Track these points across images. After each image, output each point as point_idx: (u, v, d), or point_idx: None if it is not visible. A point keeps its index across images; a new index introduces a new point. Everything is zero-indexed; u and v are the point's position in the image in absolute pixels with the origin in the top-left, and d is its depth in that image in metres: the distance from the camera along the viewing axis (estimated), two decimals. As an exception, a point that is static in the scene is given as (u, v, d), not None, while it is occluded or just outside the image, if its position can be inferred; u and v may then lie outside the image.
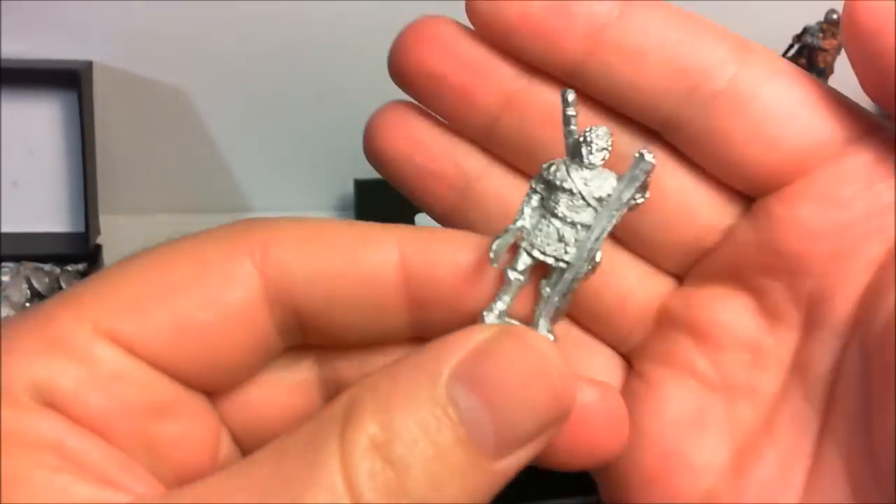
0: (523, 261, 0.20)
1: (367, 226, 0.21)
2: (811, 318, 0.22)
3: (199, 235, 0.20)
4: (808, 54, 0.73)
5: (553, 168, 0.20)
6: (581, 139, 0.20)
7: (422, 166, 0.25)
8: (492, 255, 0.20)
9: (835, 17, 0.73)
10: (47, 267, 0.62)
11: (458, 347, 0.18)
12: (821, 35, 0.72)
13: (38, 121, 0.64)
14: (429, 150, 0.25)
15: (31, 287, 0.61)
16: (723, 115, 0.23)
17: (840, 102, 0.23)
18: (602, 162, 0.20)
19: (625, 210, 0.20)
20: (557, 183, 0.20)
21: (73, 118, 0.63)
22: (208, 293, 0.19)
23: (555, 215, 0.20)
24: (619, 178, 0.20)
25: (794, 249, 0.23)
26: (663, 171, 0.23)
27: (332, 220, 0.21)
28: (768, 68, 0.23)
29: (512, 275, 0.20)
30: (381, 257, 0.20)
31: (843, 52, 0.74)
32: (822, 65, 0.73)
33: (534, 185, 0.21)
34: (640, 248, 0.25)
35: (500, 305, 0.20)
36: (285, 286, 0.19)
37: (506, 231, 0.20)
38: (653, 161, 0.19)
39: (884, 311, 0.20)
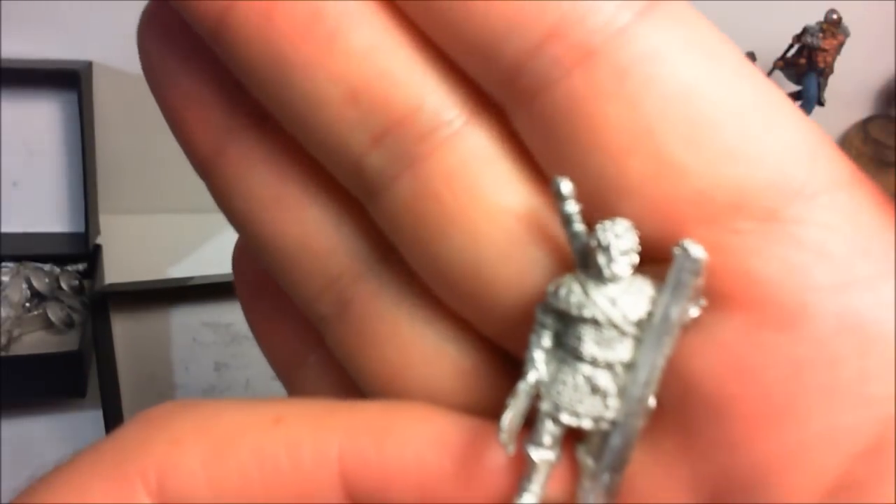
0: (549, 431, 0.14)
1: (298, 421, 0.15)
2: None
3: (85, 462, 0.15)
4: (808, 54, 0.73)
5: (563, 291, 0.14)
6: (594, 243, 0.14)
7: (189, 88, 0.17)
8: (503, 436, 0.14)
9: (835, 17, 0.73)
10: (47, 267, 0.62)
11: None
12: (821, 35, 0.72)
13: (38, 121, 0.64)
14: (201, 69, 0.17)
15: (30, 287, 0.61)
16: (594, 89, 0.13)
17: (805, 120, 0.14)
18: (631, 270, 0.14)
19: (677, 332, 0.14)
20: (574, 312, 0.14)
21: (73, 118, 0.63)
22: None
23: (580, 358, 0.14)
24: (659, 288, 0.14)
25: (701, 388, 0.14)
26: (489, 172, 0.15)
27: (255, 412, 0.16)
28: (687, 30, 0.14)
29: (537, 455, 0.14)
30: (316, 474, 0.15)
31: (842, 51, 0.75)
32: (822, 65, 0.73)
33: (541, 318, 0.14)
34: (453, 300, 0.16)
35: (527, 498, 0.14)
36: None
37: (515, 394, 0.14)
38: (702, 257, 0.13)
39: None
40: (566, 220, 0.14)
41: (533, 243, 0.15)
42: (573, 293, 0.14)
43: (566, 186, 0.14)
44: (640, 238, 0.14)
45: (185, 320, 0.63)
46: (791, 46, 0.75)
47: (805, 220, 0.13)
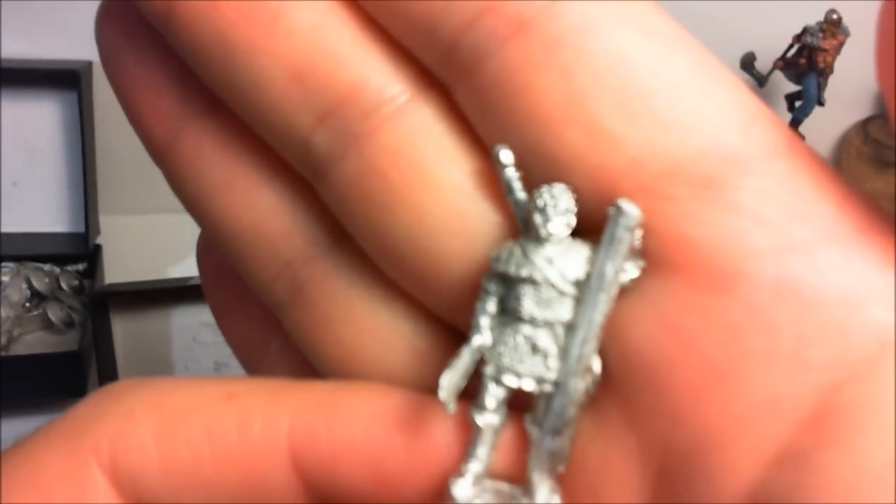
0: (492, 394, 0.14)
1: (250, 398, 0.15)
2: (664, 480, 0.13)
3: (39, 438, 0.15)
4: (808, 54, 0.73)
5: (504, 254, 0.14)
6: (532, 206, 0.14)
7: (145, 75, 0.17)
8: (443, 393, 0.14)
9: (835, 17, 0.73)
10: (47, 267, 0.62)
11: None
12: (821, 35, 0.72)
13: (38, 121, 0.64)
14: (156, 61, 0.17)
15: (30, 287, 0.61)
16: (528, 60, 0.13)
17: (741, 88, 0.14)
18: (568, 230, 0.14)
19: (615, 290, 0.14)
20: (513, 272, 0.14)
21: (73, 118, 0.63)
22: None
23: (520, 318, 0.14)
24: (596, 247, 0.14)
25: (640, 355, 0.13)
26: (434, 148, 0.15)
27: (208, 389, 0.16)
28: (620, 1, 0.14)
29: (481, 419, 0.14)
30: (266, 450, 0.15)
31: (842, 51, 0.75)
32: (822, 65, 0.73)
33: (485, 285, 0.14)
34: (402, 278, 0.16)
35: (473, 467, 0.14)
36: (147, 498, 0.15)
37: (457, 357, 0.14)
38: (636, 213, 0.13)
39: None
40: (507, 188, 0.14)
41: (478, 218, 0.15)
42: (513, 255, 0.14)
43: (506, 154, 0.14)
44: (580, 208, 0.14)
45: (185, 320, 0.63)
46: (791, 46, 0.75)
47: (741, 187, 0.13)
